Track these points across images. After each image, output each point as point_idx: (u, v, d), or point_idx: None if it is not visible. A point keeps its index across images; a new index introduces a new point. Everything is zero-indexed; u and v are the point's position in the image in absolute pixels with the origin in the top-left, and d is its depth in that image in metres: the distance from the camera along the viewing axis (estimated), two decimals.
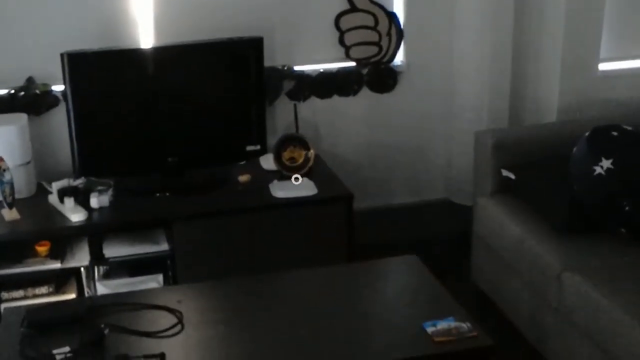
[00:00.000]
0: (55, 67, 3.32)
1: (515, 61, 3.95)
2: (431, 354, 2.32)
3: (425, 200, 4.20)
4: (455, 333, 2.36)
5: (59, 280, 3.32)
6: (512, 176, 3.38)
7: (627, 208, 2.97)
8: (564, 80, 3.81)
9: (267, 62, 3.58)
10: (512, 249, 3.23)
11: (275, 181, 3.53)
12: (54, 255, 3.29)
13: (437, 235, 4.00)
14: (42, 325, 2.39)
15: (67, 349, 2.26)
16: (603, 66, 3.95)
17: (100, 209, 3.35)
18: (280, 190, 3.45)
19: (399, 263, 2.84)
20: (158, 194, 3.48)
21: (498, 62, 3.90)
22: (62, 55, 3.29)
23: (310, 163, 3.65)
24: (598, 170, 3.03)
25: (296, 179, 3.48)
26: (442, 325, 2.39)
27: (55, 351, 2.25)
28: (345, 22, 3.84)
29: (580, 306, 2.78)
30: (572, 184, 3.14)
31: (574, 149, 3.19)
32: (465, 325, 2.39)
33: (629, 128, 3.19)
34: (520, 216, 3.26)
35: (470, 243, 3.65)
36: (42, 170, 3.56)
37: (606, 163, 3.03)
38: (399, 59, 3.99)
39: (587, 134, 3.16)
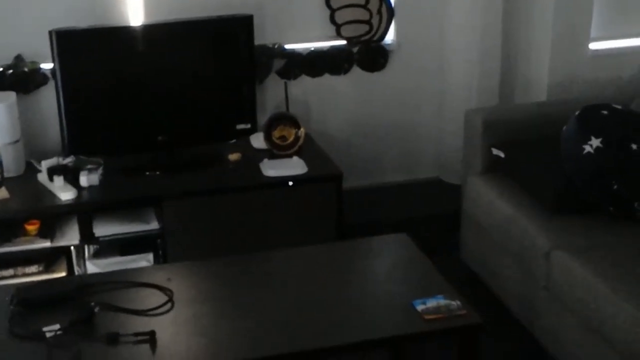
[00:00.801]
0: (44, 45, 3.31)
1: (506, 40, 3.95)
2: (421, 332, 2.33)
3: (415, 178, 4.20)
4: (444, 311, 2.37)
5: (48, 259, 3.32)
6: (502, 155, 3.39)
7: (615, 187, 2.98)
8: (554, 59, 3.81)
9: (258, 41, 3.56)
10: (502, 227, 3.24)
11: (266, 160, 3.53)
12: (43, 234, 3.28)
13: (427, 213, 4.00)
14: (32, 303, 2.38)
15: (57, 326, 2.26)
16: (594, 45, 3.95)
17: (90, 187, 3.34)
18: (270, 169, 3.45)
19: (389, 241, 2.84)
20: (148, 173, 3.47)
21: (488, 41, 3.90)
22: (50, 32, 3.27)
23: (301, 142, 3.65)
24: (587, 149, 3.04)
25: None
26: (432, 303, 2.40)
27: (45, 329, 2.25)
28: (336, 0, 3.83)
29: (568, 284, 2.80)
30: (561, 163, 3.14)
31: (564, 128, 3.19)
32: (454, 303, 2.40)
33: (619, 107, 3.19)
34: (510, 195, 3.27)
35: (460, 222, 3.65)
36: (31, 149, 3.55)
37: (595, 142, 3.03)
38: (390, 37, 3.98)
39: (577, 112, 3.17)
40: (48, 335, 2.23)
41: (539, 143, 3.34)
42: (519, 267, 3.15)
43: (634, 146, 3.03)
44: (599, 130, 3.06)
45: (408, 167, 4.20)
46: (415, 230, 2.94)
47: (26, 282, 2.94)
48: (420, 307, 2.38)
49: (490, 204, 3.33)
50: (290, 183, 3.38)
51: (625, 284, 2.61)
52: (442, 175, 4.19)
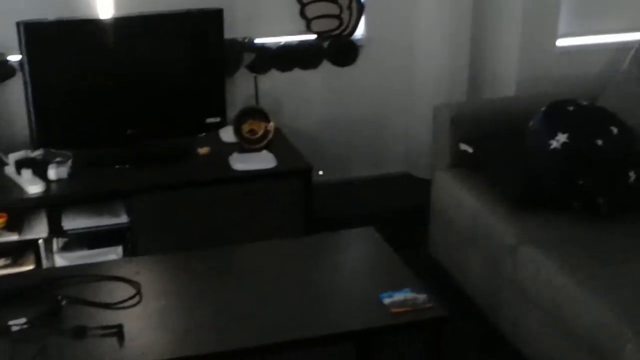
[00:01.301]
0: (11, 37, 3.27)
1: (474, 36, 3.98)
2: (388, 325, 2.35)
3: (384, 173, 4.22)
4: (411, 304, 2.39)
5: (16, 252, 3.29)
6: (470, 150, 3.41)
7: (581, 182, 3.01)
8: (522, 55, 3.84)
9: (227, 34, 3.56)
10: (469, 222, 3.26)
11: (235, 153, 3.53)
12: (11, 227, 3.26)
13: (396, 208, 4.02)
14: None
15: (23, 320, 2.25)
16: (561, 42, 3.99)
17: (59, 180, 3.32)
18: (239, 163, 3.45)
19: (357, 235, 2.86)
20: (117, 166, 3.46)
21: (457, 37, 3.92)
22: (18, 24, 3.24)
23: (270, 136, 3.65)
24: (554, 144, 3.07)
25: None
26: (399, 296, 2.42)
27: (10, 322, 2.24)
28: None
29: (534, 279, 2.83)
30: (528, 158, 3.18)
31: (531, 123, 3.22)
32: (421, 297, 2.42)
33: (585, 103, 3.23)
34: (477, 189, 3.30)
35: (429, 216, 3.68)
36: None
37: (562, 137, 3.06)
38: (360, 32, 3.99)
39: (543, 108, 3.20)
40: (14, 329, 2.22)
41: (507, 138, 3.36)
42: (485, 261, 3.18)
43: (600, 142, 3.06)
44: (566, 126, 3.09)
45: (377, 162, 4.22)
46: (384, 225, 2.95)
47: None
48: (387, 300, 2.40)
49: (458, 198, 3.36)
50: None
51: (589, 279, 2.64)
52: (411, 169, 4.21)
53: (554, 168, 3.07)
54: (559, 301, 2.69)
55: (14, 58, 3.48)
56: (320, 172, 3.39)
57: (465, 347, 3.12)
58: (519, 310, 2.96)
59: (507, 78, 3.90)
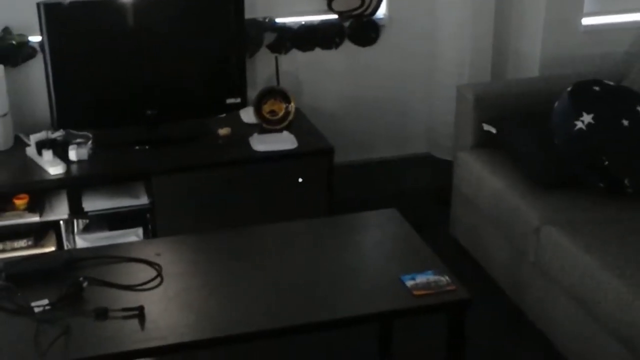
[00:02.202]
0: (31, 18, 3.26)
1: (498, 15, 3.92)
2: (410, 307, 2.34)
3: (406, 154, 4.19)
4: (434, 286, 2.38)
5: (37, 233, 3.30)
6: (493, 130, 3.38)
7: (606, 163, 2.98)
8: (547, 35, 3.78)
9: (248, 14, 3.53)
10: (492, 202, 3.24)
11: (256, 134, 3.51)
12: (32, 208, 3.26)
13: (418, 189, 4.00)
14: (21, 278, 2.38)
15: (45, 301, 2.26)
16: (586, 21, 3.93)
17: (79, 161, 3.32)
18: (260, 144, 3.43)
19: (379, 216, 2.84)
20: (137, 147, 3.45)
21: (481, 16, 3.87)
22: (38, 5, 3.23)
23: (291, 116, 3.63)
24: (579, 125, 3.03)
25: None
26: (421, 278, 2.41)
27: (33, 304, 2.25)
28: None
29: (557, 260, 2.80)
30: (552, 139, 3.14)
31: (556, 104, 3.18)
32: (443, 279, 2.41)
33: (611, 83, 3.18)
34: (500, 170, 3.27)
35: (450, 197, 3.65)
36: (20, 123, 3.52)
37: (587, 118, 3.03)
38: (382, 12, 3.95)
39: (568, 88, 3.16)
40: (36, 310, 2.23)
41: (530, 119, 3.33)
42: (508, 242, 3.16)
43: (626, 122, 3.02)
44: (591, 106, 3.05)
45: (399, 142, 4.19)
46: (405, 206, 2.94)
47: (15, 257, 2.93)
48: (409, 283, 2.38)
49: (481, 179, 3.33)
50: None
51: (614, 259, 2.62)
52: (432, 150, 4.17)
53: (579, 149, 3.03)
54: (583, 283, 2.66)
55: (35, 39, 3.47)
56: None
57: (488, 329, 3.10)
58: (542, 292, 2.94)
59: (532, 58, 3.85)
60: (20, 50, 3.51)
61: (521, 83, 3.72)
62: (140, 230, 3.36)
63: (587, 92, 3.12)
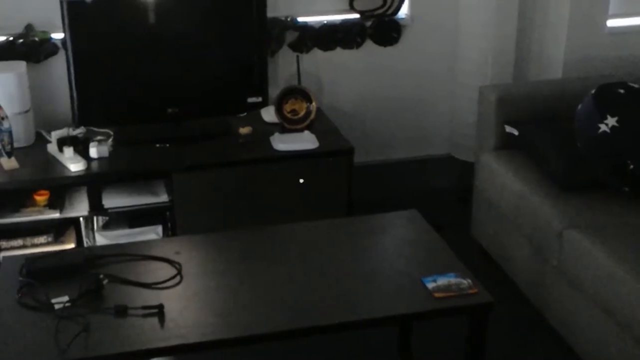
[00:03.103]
0: (54, 15, 3.28)
1: (522, 16, 3.90)
2: (430, 310, 2.32)
3: (427, 155, 4.18)
4: (455, 289, 2.36)
5: (57, 230, 3.31)
6: (516, 132, 3.35)
7: (631, 167, 2.94)
8: (571, 36, 3.75)
9: (270, 13, 3.53)
10: (514, 205, 3.21)
11: (277, 134, 3.50)
12: (52, 204, 3.27)
13: (438, 190, 3.98)
14: (41, 274, 2.38)
15: (65, 298, 2.26)
16: (611, 22, 3.89)
17: (100, 159, 3.32)
18: (281, 143, 3.42)
19: (400, 217, 2.82)
20: (158, 145, 3.45)
21: (504, 17, 3.84)
22: (61, 2, 3.24)
23: (312, 116, 3.62)
24: (603, 128, 3.00)
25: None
26: (443, 281, 2.39)
27: (53, 300, 2.25)
28: None
29: (580, 264, 2.77)
30: (576, 141, 3.11)
31: (579, 106, 3.15)
32: (465, 282, 2.39)
33: (636, 86, 3.15)
34: (523, 172, 3.24)
35: (471, 199, 3.63)
36: (41, 119, 3.53)
37: (612, 121, 3.00)
38: (404, 12, 3.93)
39: (593, 91, 3.13)
40: (57, 306, 2.23)
41: (553, 121, 3.30)
42: (530, 245, 3.13)
43: None
44: (615, 109, 3.02)
45: (419, 143, 4.17)
46: (425, 207, 2.92)
47: (35, 253, 2.93)
48: (430, 285, 2.36)
49: (503, 181, 3.30)
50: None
51: (638, 264, 2.58)
52: (453, 152, 4.15)
53: (603, 152, 3.00)
54: (606, 288, 2.63)
55: (57, 36, 3.48)
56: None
57: (508, 332, 3.08)
58: (564, 297, 2.91)
59: (555, 59, 3.82)
60: (42, 47, 3.52)
61: (545, 85, 3.69)
62: (159, 228, 3.36)
63: (611, 94, 3.09)
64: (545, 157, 3.20)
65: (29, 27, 3.49)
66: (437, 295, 2.33)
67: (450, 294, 2.34)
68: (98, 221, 3.35)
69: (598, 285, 2.67)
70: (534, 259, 3.11)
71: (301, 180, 3.37)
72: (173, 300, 2.31)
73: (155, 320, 2.22)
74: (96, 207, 3.31)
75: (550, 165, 3.16)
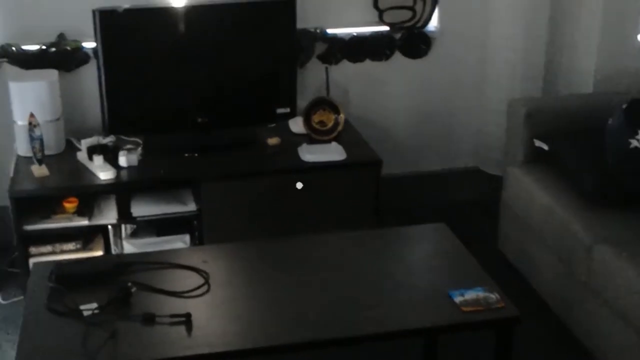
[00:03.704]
0: (86, 24, 3.31)
1: (552, 29, 3.88)
2: (458, 323, 2.31)
3: (454, 168, 4.16)
4: (482, 303, 2.35)
5: (86, 237, 3.33)
6: (545, 147, 3.33)
7: None
8: (601, 50, 3.73)
9: (300, 24, 3.54)
10: (542, 219, 3.19)
11: (305, 144, 3.51)
12: (81, 212, 3.30)
13: (465, 203, 3.97)
14: (70, 280, 2.39)
15: (94, 305, 2.27)
16: None
17: (129, 167, 3.35)
18: (309, 154, 3.43)
19: (428, 230, 2.82)
20: (186, 154, 3.47)
21: (533, 30, 3.83)
22: (93, 11, 3.27)
23: (340, 127, 3.62)
24: (634, 143, 2.98)
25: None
26: (470, 294, 2.38)
27: (82, 307, 2.27)
28: None
29: (609, 280, 2.75)
30: (606, 156, 3.09)
31: (610, 121, 3.13)
32: (493, 296, 2.37)
33: None
34: (552, 187, 3.22)
35: (498, 212, 3.61)
36: (72, 127, 3.56)
37: None
38: (433, 24, 3.93)
39: (624, 105, 3.10)
40: (85, 313, 2.25)
41: (583, 135, 3.28)
42: (558, 260, 3.10)
43: None
44: None
45: (447, 156, 4.16)
46: (452, 219, 2.91)
47: (63, 259, 2.96)
48: (458, 299, 2.35)
49: (531, 195, 3.28)
50: None
51: None
52: (481, 165, 4.14)
53: (634, 167, 2.98)
54: (636, 304, 2.60)
55: (89, 45, 3.51)
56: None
57: (535, 347, 3.05)
58: (592, 311, 2.88)
59: (585, 73, 3.80)
60: (74, 55, 3.56)
61: (575, 99, 3.67)
62: (187, 237, 3.37)
63: None
64: (574, 172, 3.17)
65: (61, 36, 3.53)
66: (464, 309, 2.32)
67: (477, 308, 2.33)
68: (126, 229, 3.37)
69: (627, 300, 2.65)
70: (562, 274, 3.08)
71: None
72: (200, 309, 2.31)
73: (182, 329, 2.22)
74: (124, 215, 3.33)
75: (579, 180, 3.13)
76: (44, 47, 3.51)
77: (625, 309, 2.67)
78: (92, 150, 3.33)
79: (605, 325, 2.81)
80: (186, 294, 2.37)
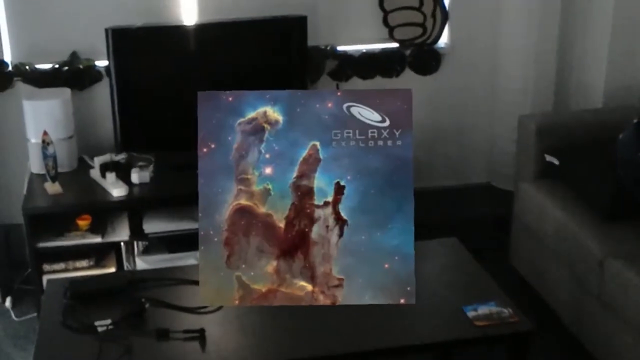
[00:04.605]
0: (99, 43, 3.34)
1: (562, 44, 3.89)
2: (472, 338, 2.31)
3: (465, 183, 4.16)
4: (496, 318, 2.35)
5: (99, 254, 3.35)
6: (556, 162, 3.34)
7: None
8: (612, 65, 3.73)
9: (310, 41, 3.56)
10: (554, 234, 3.19)
11: None
12: (94, 229, 3.32)
13: (477, 218, 3.96)
14: (84, 296, 2.41)
15: (108, 321, 2.28)
16: None
17: (141, 184, 3.36)
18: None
19: (440, 245, 2.82)
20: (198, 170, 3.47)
21: (544, 45, 3.84)
22: (106, 30, 3.30)
23: None
24: None
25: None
26: (483, 309, 2.38)
27: (96, 323, 2.28)
28: (390, 3, 3.80)
29: (622, 294, 2.74)
30: (617, 170, 3.09)
31: (621, 135, 3.13)
32: (506, 310, 2.38)
33: None
34: (563, 201, 3.22)
35: (510, 227, 3.61)
36: (84, 145, 3.59)
37: None
38: (443, 40, 3.94)
39: (635, 120, 3.11)
40: (100, 329, 2.26)
41: (594, 150, 3.28)
42: (570, 274, 3.10)
43: None
44: None
45: (458, 171, 4.16)
46: (464, 234, 2.91)
47: (79, 276, 2.98)
48: (471, 313, 2.36)
49: (543, 210, 3.28)
50: None
51: None
52: (492, 180, 4.14)
53: None
54: None
55: (102, 63, 3.54)
56: None
57: None
58: (605, 325, 2.88)
59: (596, 88, 3.80)
60: (87, 74, 3.59)
61: (585, 114, 3.67)
62: (199, 254, 3.37)
63: None
64: (586, 186, 3.17)
65: (74, 55, 3.56)
66: (477, 323, 2.32)
67: (490, 322, 2.33)
68: (138, 246, 3.38)
69: None
70: (574, 288, 3.08)
71: None
72: (214, 325, 2.32)
73: (196, 344, 2.23)
74: (137, 232, 3.34)
75: (591, 195, 3.13)
76: (56, 65, 3.54)
77: (638, 323, 2.66)
78: (104, 168, 3.35)
79: (618, 339, 2.80)
80: (200, 310, 2.38)
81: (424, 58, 3.92)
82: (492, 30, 3.94)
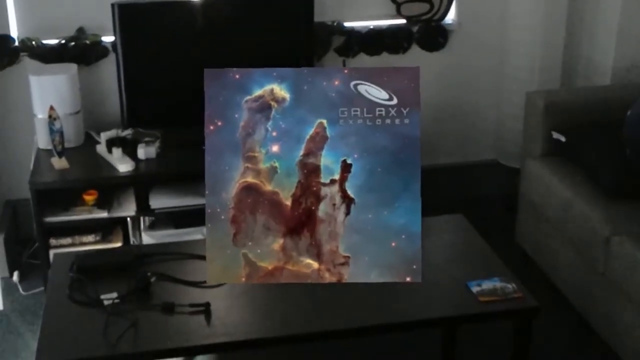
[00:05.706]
0: (105, 18, 3.33)
1: (570, 21, 3.86)
2: (476, 313, 2.31)
3: (472, 160, 4.15)
4: (500, 293, 2.35)
5: (105, 229, 3.37)
6: (563, 139, 3.33)
7: None
8: (620, 43, 3.70)
9: (317, 18, 3.55)
10: (560, 211, 3.18)
11: None
12: (101, 204, 3.33)
13: (484, 196, 3.96)
14: (91, 271, 2.42)
15: (114, 294, 2.30)
16: None
17: (147, 160, 3.37)
18: None
19: (445, 221, 2.82)
20: (204, 147, 3.47)
21: (552, 22, 3.82)
22: (112, 5, 3.30)
23: None
24: None
25: None
26: (487, 285, 2.38)
27: (103, 296, 2.29)
28: None
29: (627, 271, 2.74)
30: (624, 148, 3.08)
31: (628, 112, 3.12)
32: (510, 286, 2.38)
33: None
34: (570, 179, 3.21)
35: (517, 205, 3.60)
36: (91, 120, 3.59)
37: None
38: (451, 17, 3.92)
39: None
40: (106, 302, 2.27)
41: (602, 127, 3.27)
42: (576, 252, 3.10)
43: None
44: None
45: (466, 149, 4.16)
46: (470, 212, 2.91)
47: (85, 250, 2.99)
48: (475, 289, 2.36)
49: (549, 187, 3.28)
50: None
51: None
52: (500, 157, 4.13)
53: None
54: None
55: (108, 39, 3.54)
56: None
57: (553, 338, 3.05)
58: (610, 303, 2.88)
59: (603, 65, 3.78)
60: (93, 49, 3.58)
61: (593, 91, 3.66)
62: (205, 229, 3.38)
63: None
64: (593, 164, 3.16)
65: (80, 30, 3.56)
66: (482, 299, 2.33)
67: (495, 298, 2.34)
68: (145, 221, 3.39)
69: None
70: (580, 266, 3.08)
71: None
72: (219, 299, 2.33)
73: (201, 318, 2.25)
74: (143, 208, 3.35)
75: (598, 172, 3.12)
76: (63, 41, 3.54)
77: None
78: (111, 143, 3.35)
79: (623, 317, 2.80)
80: (205, 284, 2.39)
81: (431, 35, 3.91)
82: (499, 7, 3.92)
